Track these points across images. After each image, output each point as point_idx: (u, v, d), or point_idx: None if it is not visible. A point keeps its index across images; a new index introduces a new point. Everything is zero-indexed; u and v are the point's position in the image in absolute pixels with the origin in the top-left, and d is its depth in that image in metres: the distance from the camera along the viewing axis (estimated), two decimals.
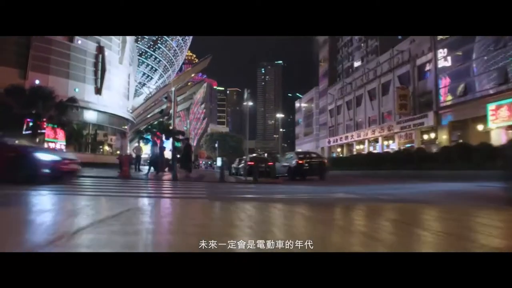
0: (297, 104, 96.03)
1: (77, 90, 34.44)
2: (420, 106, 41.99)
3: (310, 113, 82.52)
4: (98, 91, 36.81)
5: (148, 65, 60.95)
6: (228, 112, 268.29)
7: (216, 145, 70.40)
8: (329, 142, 65.98)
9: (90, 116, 37.67)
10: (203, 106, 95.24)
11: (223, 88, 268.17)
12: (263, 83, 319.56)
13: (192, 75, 69.44)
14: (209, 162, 75.67)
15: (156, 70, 62.74)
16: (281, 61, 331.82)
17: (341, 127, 63.72)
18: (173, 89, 29.99)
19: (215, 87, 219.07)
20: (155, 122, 37.72)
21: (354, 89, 58.35)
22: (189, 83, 65.08)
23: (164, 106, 48.71)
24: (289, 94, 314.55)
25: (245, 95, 28.34)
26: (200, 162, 75.43)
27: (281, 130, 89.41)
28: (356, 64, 64.23)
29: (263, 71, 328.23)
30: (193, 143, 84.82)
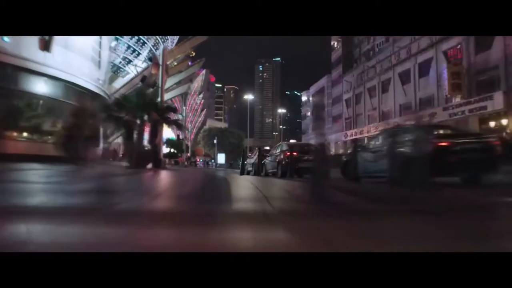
0: (304, 97, 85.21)
1: (6, 39, 19.97)
2: (478, 87, 31.52)
3: (320, 105, 71.81)
4: (45, 45, 22.16)
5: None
6: (226, 110, 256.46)
7: (215, 141, 63.70)
8: (345, 136, 55.27)
9: (34, 84, 22.93)
10: (201, 96, 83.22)
11: (220, 85, 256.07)
12: (260, 81, 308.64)
13: (190, 50, 58.62)
14: (207, 161, 67.53)
15: (144, 43, 50.56)
16: (279, 58, 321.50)
17: (361, 119, 53.03)
18: (161, 48, 18.93)
19: (212, 82, 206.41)
20: (132, 93, 24.57)
21: (378, 73, 47.87)
22: (183, 61, 53.81)
23: (147, 73, 33.79)
24: (287, 92, 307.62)
25: None
26: (198, 160, 68.32)
27: (281, 127, 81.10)
28: (380, 45, 53.28)
29: (261, 68, 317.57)
30: (190, 137, 74.05)
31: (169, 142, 50.73)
